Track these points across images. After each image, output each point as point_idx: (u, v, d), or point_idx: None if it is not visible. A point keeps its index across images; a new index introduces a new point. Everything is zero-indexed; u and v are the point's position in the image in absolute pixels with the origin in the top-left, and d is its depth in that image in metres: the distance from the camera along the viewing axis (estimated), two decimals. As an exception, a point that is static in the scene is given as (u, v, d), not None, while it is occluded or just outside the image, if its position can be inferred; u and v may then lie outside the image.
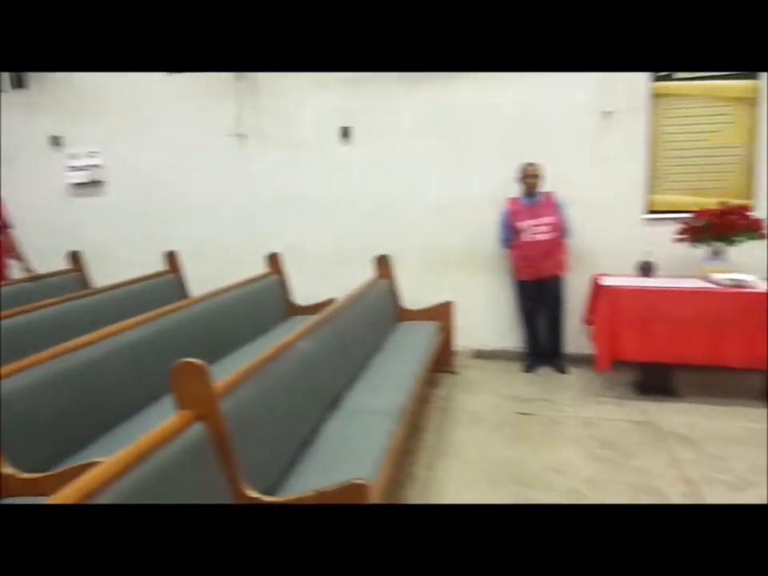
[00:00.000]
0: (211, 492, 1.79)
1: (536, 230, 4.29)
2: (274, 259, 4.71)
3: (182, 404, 1.85)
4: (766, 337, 3.62)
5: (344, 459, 2.27)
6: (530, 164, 4.33)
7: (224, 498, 1.83)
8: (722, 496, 2.72)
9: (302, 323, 2.90)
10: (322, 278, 4.91)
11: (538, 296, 4.47)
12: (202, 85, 5.07)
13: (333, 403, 2.84)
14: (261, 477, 2.00)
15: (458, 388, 4.26)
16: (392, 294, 4.58)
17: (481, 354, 4.89)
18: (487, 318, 4.85)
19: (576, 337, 4.55)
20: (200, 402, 1.85)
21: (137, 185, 5.40)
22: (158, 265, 4.75)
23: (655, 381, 3.97)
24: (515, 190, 4.47)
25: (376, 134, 4.84)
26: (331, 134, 4.90)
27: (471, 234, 4.77)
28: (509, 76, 4.48)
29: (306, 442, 2.43)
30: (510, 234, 4.42)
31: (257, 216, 5.15)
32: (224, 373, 2.07)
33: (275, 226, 5.11)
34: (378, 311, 4.13)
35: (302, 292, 4.78)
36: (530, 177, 4.31)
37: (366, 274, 4.45)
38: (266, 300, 4.43)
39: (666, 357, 3.81)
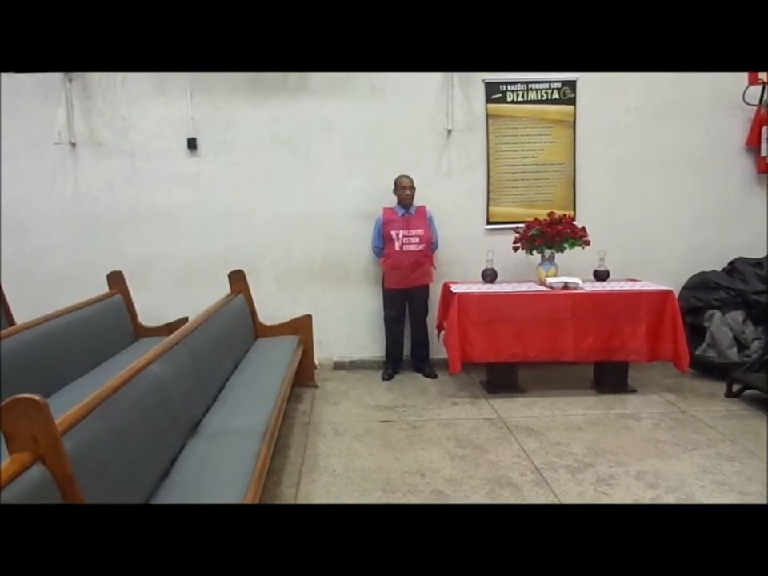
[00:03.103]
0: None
1: (408, 240, 4.44)
2: (116, 278, 4.35)
3: (16, 446, 1.63)
4: (592, 332, 4.08)
5: (208, 487, 2.16)
6: (405, 176, 4.49)
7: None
8: (564, 479, 3.00)
9: (150, 346, 2.71)
10: (172, 297, 4.62)
11: (405, 305, 4.62)
12: (25, 86, 4.53)
13: (192, 428, 2.69)
14: (114, 517, 1.82)
15: (320, 401, 4.25)
16: (248, 309, 4.45)
17: (341, 366, 4.92)
18: (347, 329, 4.90)
19: (432, 342, 4.76)
20: (39, 442, 1.64)
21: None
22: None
23: (502, 379, 4.28)
24: (372, 203, 4.61)
25: (225, 146, 4.68)
26: (176, 145, 4.65)
27: (329, 247, 4.80)
28: (359, 93, 4.62)
29: (165, 473, 2.26)
30: (383, 243, 4.53)
31: (94, 232, 4.70)
32: (61, 406, 1.86)
33: (116, 242, 4.71)
34: (235, 328, 3.99)
35: (151, 312, 4.48)
36: (404, 188, 4.46)
37: (219, 290, 4.28)
38: (109, 323, 4.06)
39: (510, 356, 4.13)
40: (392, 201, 4.57)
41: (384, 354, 4.81)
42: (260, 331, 4.49)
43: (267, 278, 4.77)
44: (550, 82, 4.66)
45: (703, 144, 4.78)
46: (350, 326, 4.90)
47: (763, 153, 4.69)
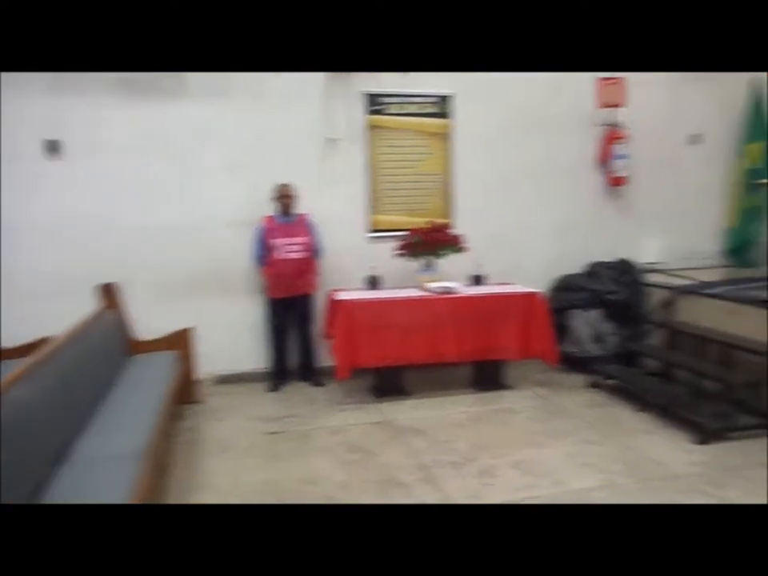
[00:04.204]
0: None
1: (289, 248, 4.39)
2: (-37, 295, 3.89)
3: None
4: (470, 334, 4.29)
5: (81, 517, 1.98)
6: (284, 184, 4.44)
7: None
8: (450, 474, 3.12)
9: (10, 368, 2.46)
10: (33, 315, 4.20)
11: (289, 314, 4.56)
12: None
13: (58, 457, 2.47)
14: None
15: (203, 417, 4.08)
16: (121, 325, 4.17)
17: (225, 379, 4.75)
18: (230, 341, 4.73)
19: (318, 350, 4.74)
20: None
21: None
22: None
23: (389, 383, 4.38)
24: (252, 211, 4.52)
25: (93, 150, 4.35)
26: (33, 147, 4.26)
27: (209, 256, 4.62)
28: (239, 99, 4.53)
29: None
30: (264, 252, 4.44)
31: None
32: None
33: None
34: (106, 346, 3.72)
35: (9, 331, 4.05)
36: (283, 197, 4.42)
37: (89, 306, 3.97)
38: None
39: (396, 360, 4.24)
40: (272, 209, 4.51)
41: (269, 365, 4.72)
42: (135, 347, 4.22)
43: (144, 290, 4.48)
44: (427, 96, 4.86)
45: (565, 159, 5.21)
46: (233, 337, 4.75)
47: (612, 169, 5.22)
